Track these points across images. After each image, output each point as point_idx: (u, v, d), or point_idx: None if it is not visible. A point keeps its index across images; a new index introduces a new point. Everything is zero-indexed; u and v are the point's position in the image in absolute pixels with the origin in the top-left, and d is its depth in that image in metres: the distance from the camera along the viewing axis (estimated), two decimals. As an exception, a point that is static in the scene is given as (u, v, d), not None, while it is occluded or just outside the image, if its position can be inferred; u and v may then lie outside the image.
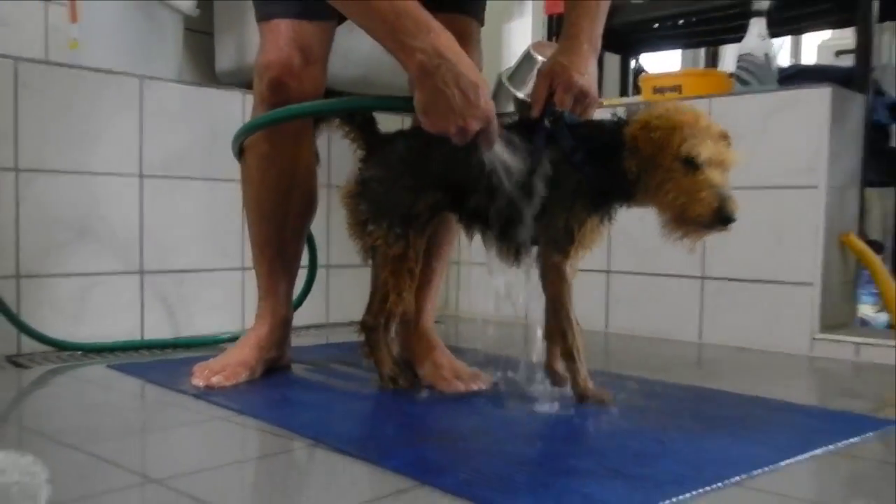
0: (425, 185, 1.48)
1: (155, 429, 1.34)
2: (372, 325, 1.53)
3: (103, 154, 2.00)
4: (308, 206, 1.72)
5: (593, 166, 1.39)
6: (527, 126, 1.45)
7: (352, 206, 1.53)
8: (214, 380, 1.54)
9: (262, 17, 1.60)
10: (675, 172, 1.31)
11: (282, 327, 1.69)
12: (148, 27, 2.18)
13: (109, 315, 2.01)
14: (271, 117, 1.55)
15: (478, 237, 1.52)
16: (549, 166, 1.40)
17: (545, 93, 1.44)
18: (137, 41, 2.15)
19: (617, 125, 1.39)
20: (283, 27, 1.55)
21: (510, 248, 1.47)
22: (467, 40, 1.59)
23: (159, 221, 2.10)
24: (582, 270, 1.46)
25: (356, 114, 1.55)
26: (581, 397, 1.43)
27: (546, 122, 1.42)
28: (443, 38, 1.30)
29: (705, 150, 1.30)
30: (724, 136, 1.36)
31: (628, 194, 1.40)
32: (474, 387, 1.54)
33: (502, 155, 1.39)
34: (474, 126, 1.31)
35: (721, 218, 1.28)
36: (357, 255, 1.56)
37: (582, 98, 1.44)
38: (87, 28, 2.07)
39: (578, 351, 1.43)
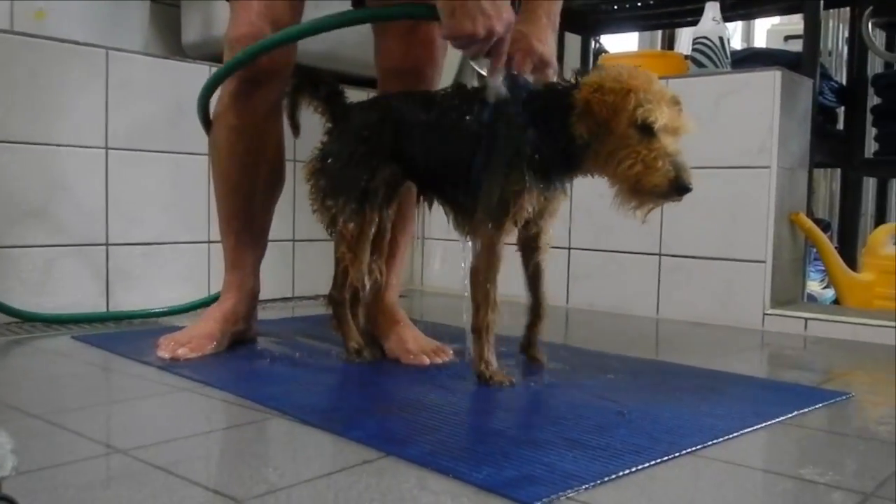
0: (380, 159, 1.48)
1: (120, 400, 1.35)
2: (338, 299, 1.56)
3: (69, 126, 1.98)
4: (276, 180, 1.73)
5: (538, 131, 1.34)
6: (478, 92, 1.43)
7: (313, 182, 1.54)
8: (180, 352, 1.56)
9: None
10: (629, 139, 1.26)
11: (248, 300, 1.71)
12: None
13: (74, 287, 2.01)
14: (258, 47, 1.52)
15: (438, 209, 1.54)
16: (492, 129, 1.36)
17: (503, 58, 1.38)
18: (104, 13, 2.13)
19: (567, 89, 1.33)
20: (254, 2, 1.57)
21: (460, 217, 1.47)
22: None
23: (124, 194, 2.09)
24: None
25: (322, 85, 1.57)
26: (480, 377, 1.39)
27: (502, 86, 1.37)
28: None
29: (661, 116, 1.25)
30: (676, 102, 1.32)
31: (574, 162, 1.35)
32: (438, 360, 1.57)
33: (500, 86, 1.41)
34: (500, 29, 1.31)
35: (678, 188, 1.25)
36: (322, 229, 1.57)
37: (541, 66, 1.44)
38: (53, -1, 2.05)
39: (487, 330, 1.38)
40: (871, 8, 1.02)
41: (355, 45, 2.38)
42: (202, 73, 2.23)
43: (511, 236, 1.42)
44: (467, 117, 1.40)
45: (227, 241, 1.72)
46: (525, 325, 1.57)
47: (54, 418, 1.16)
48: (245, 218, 1.69)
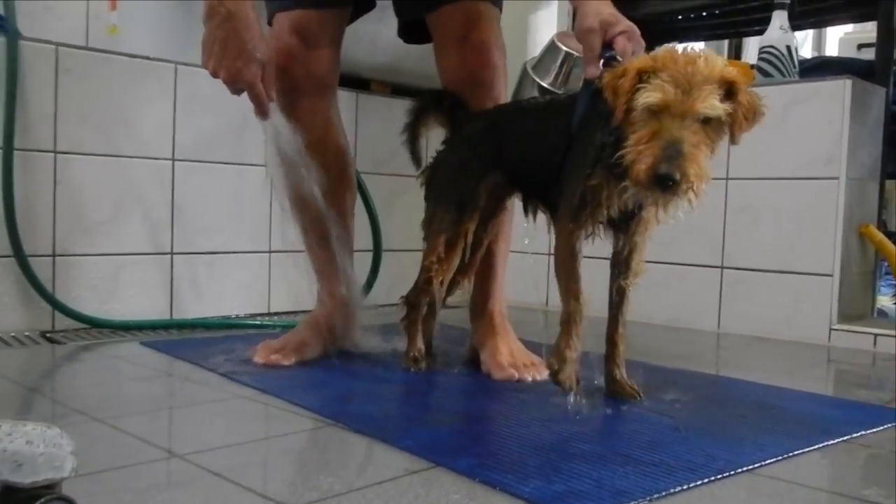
0: (485, 166, 1.48)
1: (181, 405, 1.38)
2: (413, 301, 1.57)
3: (138, 138, 2.05)
4: (342, 189, 1.73)
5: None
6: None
7: (426, 190, 1.56)
8: (273, 358, 1.60)
9: (269, 17, 1.67)
10: (634, 125, 1.16)
11: (341, 309, 1.71)
12: (183, 15, 2.23)
13: (140, 294, 2.06)
14: None
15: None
16: (583, 126, 1.31)
17: (600, 45, 1.32)
18: (173, 28, 2.20)
19: None
20: (283, 19, 1.63)
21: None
22: (484, 23, 1.61)
23: (190, 204, 2.15)
24: (602, 258, 1.42)
25: (445, 98, 1.61)
26: (548, 368, 1.31)
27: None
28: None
29: (652, 96, 1.13)
30: (728, 82, 1.16)
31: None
32: (528, 376, 1.52)
33: (277, 128, 1.49)
34: (223, 76, 1.43)
35: (655, 177, 1.11)
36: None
37: (638, 48, 1.35)
38: (125, 15, 2.13)
39: (567, 322, 1.30)
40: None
41: (417, 57, 2.41)
42: (266, 85, 2.28)
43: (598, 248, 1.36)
44: (559, 119, 1.37)
45: (309, 253, 1.74)
46: (604, 357, 1.43)
47: (117, 422, 1.19)
48: (318, 230, 1.70)
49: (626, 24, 1.35)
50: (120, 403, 1.33)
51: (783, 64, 2.33)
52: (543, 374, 1.53)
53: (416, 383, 1.52)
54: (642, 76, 1.16)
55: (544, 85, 2.73)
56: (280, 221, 2.32)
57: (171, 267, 2.12)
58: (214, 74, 1.46)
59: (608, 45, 1.32)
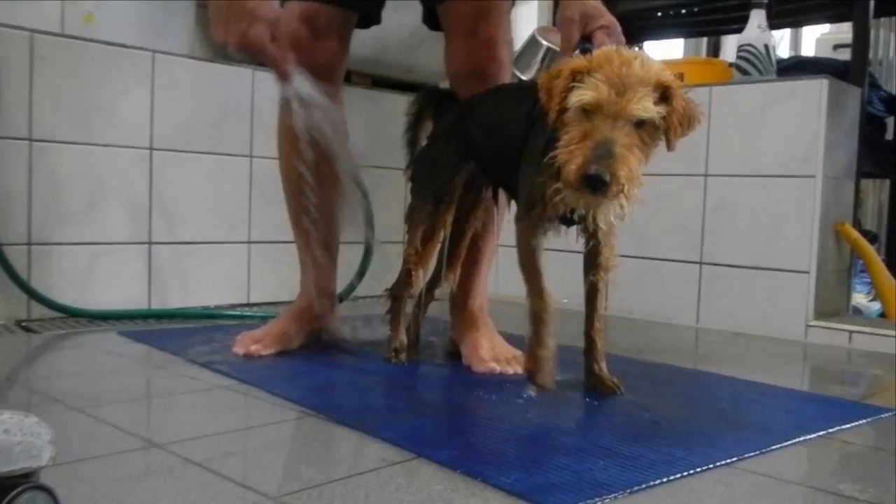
0: (459, 157, 1.48)
1: (160, 395, 1.37)
2: (396, 294, 1.57)
3: (115, 126, 2.02)
4: (336, 181, 1.70)
5: None
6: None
7: (410, 185, 1.57)
8: (253, 348, 1.60)
9: (280, 4, 1.64)
10: (567, 125, 1.14)
11: (323, 299, 1.70)
12: (161, 3, 2.20)
13: (118, 284, 2.04)
14: None
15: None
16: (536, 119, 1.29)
17: (578, 37, 1.34)
18: (151, 16, 2.18)
19: None
20: (294, 6, 1.61)
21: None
22: (494, 17, 1.59)
23: (168, 194, 2.13)
24: (578, 252, 1.41)
25: (437, 94, 1.62)
26: (526, 369, 1.33)
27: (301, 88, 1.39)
28: None
29: (587, 95, 1.11)
30: (663, 85, 1.14)
31: None
32: (509, 370, 1.52)
33: (306, 91, 1.45)
34: (232, 41, 1.37)
35: (584, 178, 1.09)
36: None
37: (618, 45, 1.31)
38: (101, 2, 2.10)
39: (535, 319, 1.30)
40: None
41: (398, 49, 2.40)
42: (246, 76, 2.27)
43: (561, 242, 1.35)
44: (518, 108, 1.36)
45: (298, 241, 1.73)
46: (583, 352, 1.43)
47: (95, 411, 1.18)
48: (310, 214, 1.67)
49: (608, 18, 1.35)
50: (98, 393, 1.31)
51: (761, 62, 2.35)
52: (521, 369, 1.53)
53: (398, 375, 1.52)
54: (576, 76, 1.14)
55: (525, 79, 2.73)
56: (260, 211, 2.31)
57: (150, 256, 2.10)
58: (225, 43, 1.41)
59: (587, 37, 1.32)
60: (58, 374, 1.48)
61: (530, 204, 1.28)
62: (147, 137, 2.08)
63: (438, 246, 1.53)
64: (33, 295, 1.89)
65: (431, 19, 1.70)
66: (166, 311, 2.07)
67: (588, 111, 1.12)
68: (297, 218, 1.71)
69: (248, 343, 1.61)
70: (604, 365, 1.42)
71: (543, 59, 2.73)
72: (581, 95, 1.11)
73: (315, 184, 1.66)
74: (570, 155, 1.11)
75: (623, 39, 1.34)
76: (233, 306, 2.24)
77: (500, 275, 2.80)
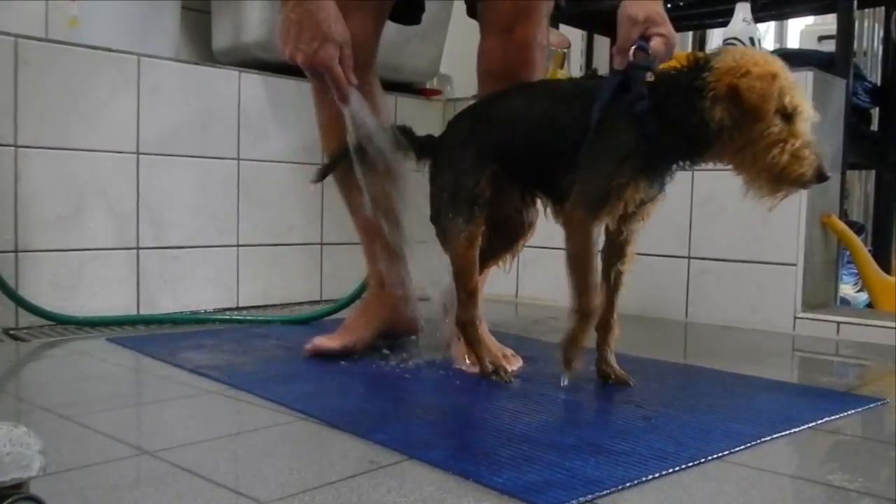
0: (481, 160, 1.44)
1: (149, 401, 1.37)
2: (466, 319, 1.49)
3: (101, 131, 2.02)
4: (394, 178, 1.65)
5: (662, 120, 1.27)
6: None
7: (430, 204, 1.51)
8: (317, 341, 1.61)
9: None
10: (773, 127, 1.21)
11: (390, 300, 1.67)
12: (146, 5, 2.20)
13: (106, 290, 2.04)
14: None
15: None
16: (606, 116, 1.31)
17: (637, 37, 1.34)
18: (136, 20, 2.17)
19: (694, 71, 1.26)
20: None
21: (558, 208, 1.41)
22: (532, 18, 1.56)
23: (155, 198, 2.12)
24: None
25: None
26: (564, 356, 1.38)
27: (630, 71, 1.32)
28: None
29: (804, 103, 1.22)
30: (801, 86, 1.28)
31: (697, 150, 1.29)
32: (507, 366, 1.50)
33: (360, 113, 1.45)
34: (300, 59, 1.41)
35: (820, 176, 1.23)
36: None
37: (671, 49, 1.36)
38: (86, 6, 2.09)
39: (589, 319, 1.36)
40: (897, 8, 1.01)
41: (385, 48, 2.38)
42: (232, 78, 2.26)
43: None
44: (573, 105, 1.36)
45: (362, 244, 1.72)
46: (597, 343, 1.46)
47: (84, 420, 1.17)
48: (385, 214, 1.64)
49: (669, 28, 1.36)
50: (87, 400, 1.31)
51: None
52: (515, 366, 1.54)
53: (389, 377, 1.51)
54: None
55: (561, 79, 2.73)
56: (248, 214, 2.31)
57: (138, 262, 2.10)
58: (292, 59, 1.43)
59: (643, 38, 1.33)
60: (46, 382, 1.47)
61: (601, 201, 1.31)
62: (133, 142, 2.07)
63: (478, 249, 1.47)
64: (21, 303, 1.88)
65: (475, 13, 1.67)
66: (155, 317, 2.06)
67: (788, 115, 1.21)
68: (361, 225, 1.68)
69: (319, 338, 1.61)
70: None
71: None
72: (804, 104, 1.23)
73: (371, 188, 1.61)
74: (795, 155, 1.21)
75: (674, 54, 1.37)
76: (221, 310, 2.23)
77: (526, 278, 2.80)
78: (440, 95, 2.92)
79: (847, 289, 2.59)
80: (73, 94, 1.96)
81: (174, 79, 2.14)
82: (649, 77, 1.31)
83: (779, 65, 1.23)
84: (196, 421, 1.23)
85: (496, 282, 2.74)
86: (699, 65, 1.26)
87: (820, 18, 3.92)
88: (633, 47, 1.33)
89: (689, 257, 2.29)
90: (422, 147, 1.54)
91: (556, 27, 2.88)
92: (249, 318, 2.11)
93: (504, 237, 1.55)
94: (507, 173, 1.46)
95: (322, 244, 2.49)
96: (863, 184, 3.92)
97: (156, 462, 1.01)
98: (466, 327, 1.49)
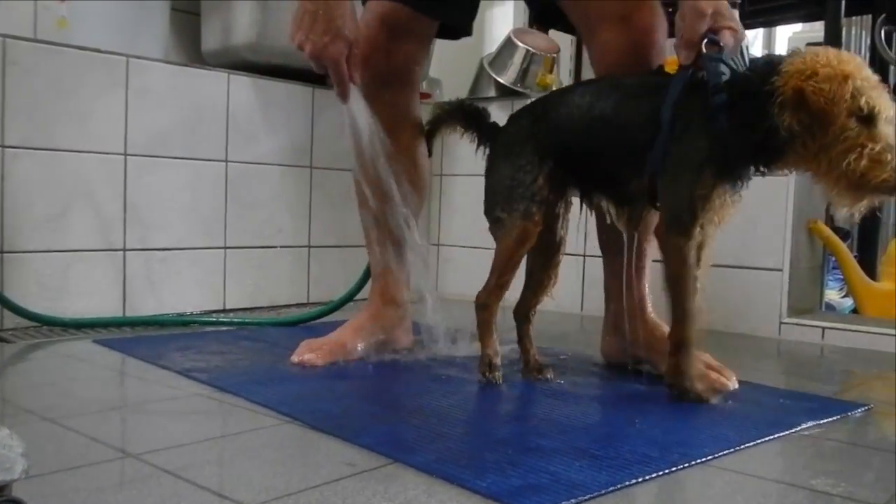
0: (539, 157, 1.40)
1: (135, 404, 1.36)
2: (487, 302, 1.47)
3: (89, 132, 2.01)
4: (415, 189, 1.66)
5: (734, 119, 1.24)
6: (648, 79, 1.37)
7: (485, 196, 1.49)
8: (307, 357, 1.57)
9: (363, 2, 1.65)
10: (849, 131, 1.15)
11: (390, 309, 1.68)
12: (135, 7, 2.19)
13: (92, 291, 2.03)
14: None
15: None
16: (683, 117, 1.27)
17: (705, 31, 1.30)
18: (125, 21, 2.16)
19: (764, 74, 1.22)
20: (376, 7, 1.61)
21: (627, 210, 1.40)
22: (648, 2, 1.52)
23: (143, 200, 2.11)
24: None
25: (462, 111, 1.55)
26: (681, 393, 1.34)
27: (704, 63, 1.28)
28: None
29: (884, 104, 1.15)
30: (883, 86, 1.19)
31: (771, 157, 1.25)
32: (728, 384, 1.46)
33: (357, 113, 1.46)
34: (308, 49, 1.40)
35: None
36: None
37: (738, 44, 1.32)
38: (75, 7, 2.08)
39: (687, 341, 1.32)
40: (883, 16, 1.01)
41: (284, 32, 2.35)
42: (221, 80, 2.26)
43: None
44: (641, 102, 1.33)
45: (369, 248, 1.71)
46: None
47: (68, 422, 1.17)
48: (380, 226, 1.65)
49: (737, 23, 1.32)
50: (71, 403, 1.30)
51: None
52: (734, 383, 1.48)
53: (374, 380, 1.52)
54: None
55: (501, 81, 2.74)
56: (236, 216, 2.30)
57: (124, 263, 2.09)
58: (300, 47, 1.43)
59: (714, 32, 1.30)
60: (31, 384, 1.46)
61: (690, 217, 1.27)
62: (121, 143, 2.07)
63: (530, 248, 1.45)
64: (6, 304, 1.87)
65: (547, 17, 1.67)
66: (141, 319, 2.05)
67: (865, 117, 1.15)
68: (368, 227, 1.68)
69: (305, 351, 1.59)
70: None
71: (520, 61, 2.74)
72: (883, 105, 1.15)
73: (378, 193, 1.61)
74: (876, 160, 1.14)
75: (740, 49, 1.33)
76: (208, 313, 2.23)
77: (441, 274, 2.82)
78: (430, 98, 2.93)
79: (832, 294, 2.61)
80: (61, 95, 1.95)
81: (163, 80, 2.14)
82: (724, 71, 1.27)
83: (854, 64, 1.17)
84: (181, 423, 1.23)
85: (452, 283, 2.76)
86: (771, 67, 1.22)
87: (808, 25, 3.94)
88: (703, 41, 1.29)
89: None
90: (485, 133, 1.52)
91: (546, 32, 2.89)
92: (236, 320, 2.10)
93: (541, 260, 1.52)
94: (567, 173, 1.42)
95: (310, 247, 2.48)
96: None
97: (140, 465, 1.01)
98: (484, 310, 1.47)
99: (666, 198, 1.31)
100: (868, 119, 1.15)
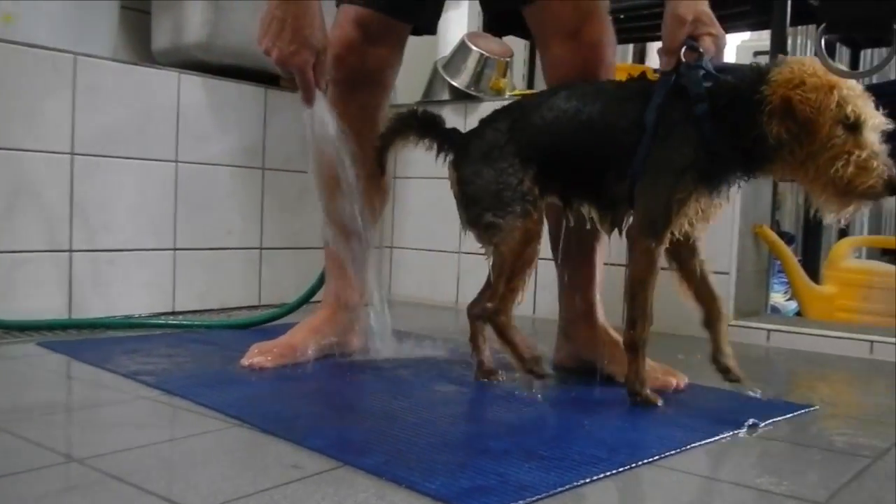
0: (522, 160, 1.39)
1: (81, 407, 1.34)
2: (500, 308, 1.42)
3: (34, 131, 1.96)
4: (373, 189, 1.65)
5: (720, 127, 1.25)
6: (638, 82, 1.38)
7: (464, 206, 1.45)
8: (256, 360, 1.55)
9: (337, 1, 1.65)
10: (835, 139, 1.18)
11: (344, 312, 1.67)
12: (84, 4, 2.15)
13: (37, 293, 1.98)
14: None
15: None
16: (667, 123, 1.28)
17: (685, 37, 1.32)
18: (73, 18, 2.12)
19: (752, 82, 1.24)
20: (350, 10, 1.61)
21: (607, 213, 1.40)
22: (598, 17, 1.53)
23: (90, 200, 2.07)
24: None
25: (417, 120, 1.52)
26: (632, 395, 1.36)
27: (683, 71, 1.30)
28: None
29: (869, 112, 1.18)
30: (867, 95, 1.22)
31: (757, 164, 1.27)
32: (676, 383, 1.50)
33: (321, 118, 1.47)
34: (275, 55, 1.41)
35: (891, 187, 1.18)
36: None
37: (721, 49, 1.35)
38: (22, 3, 2.03)
39: (642, 344, 1.36)
40: (823, 25, 1.04)
41: (236, 31, 2.34)
42: (171, 79, 2.23)
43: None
44: (626, 106, 1.34)
45: (325, 250, 1.70)
46: (708, 333, 1.46)
47: (11, 427, 1.14)
48: (339, 227, 1.64)
49: (718, 28, 1.34)
50: (15, 407, 1.28)
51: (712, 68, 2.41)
52: (685, 382, 1.52)
53: (325, 382, 1.51)
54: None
55: (455, 84, 2.75)
56: (186, 218, 2.27)
57: (71, 265, 2.05)
58: (267, 53, 1.43)
59: (693, 38, 1.32)
60: (-27, 388, 1.43)
61: (664, 220, 1.29)
62: (68, 142, 2.03)
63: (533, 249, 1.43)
64: (-53, 306, 1.82)
65: (501, 24, 1.67)
66: (88, 321, 2.01)
67: (851, 125, 1.19)
68: (325, 226, 1.67)
69: (255, 354, 1.57)
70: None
71: (473, 65, 2.76)
72: (869, 113, 1.19)
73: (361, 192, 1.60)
74: (862, 166, 1.18)
75: (723, 56, 1.36)
76: (157, 315, 2.20)
77: (394, 277, 2.83)
78: (383, 101, 2.92)
79: (777, 297, 2.67)
80: (5, 93, 1.91)
81: (111, 79, 2.10)
82: (703, 78, 1.29)
83: (836, 76, 1.20)
84: (128, 427, 1.21)
85: (402, 285, 2.77)
86: (759, 76, 1.24)
87: (756, 34, 4.02)
88: (682, 48, 1.31)
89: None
90: (445, 139, 1.49)
91: (500, 36, 2.91)
92: (185, 322, 2.07)
93: None
94: (549, 178, 1.41)
95: (262, 248, 2.46)
96: (794, 195, 4.04)
97: (85, 470, 0.99)
98: (498, 317, 1.42)
99: (643, 200, 1.32)
100: (854, 127, 1.18)
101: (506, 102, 1.52)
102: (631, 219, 1.40)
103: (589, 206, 1.43)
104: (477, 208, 1.42)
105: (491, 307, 1.42)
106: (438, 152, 1.49)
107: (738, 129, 1.24)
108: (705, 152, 1.27)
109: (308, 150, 1.58)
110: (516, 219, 1.37)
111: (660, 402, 1.37)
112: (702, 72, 1.29)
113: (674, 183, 1.27)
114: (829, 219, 1.26)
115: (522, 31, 3.06)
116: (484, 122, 1.48)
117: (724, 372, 1.42)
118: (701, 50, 1.31)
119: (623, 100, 1.36)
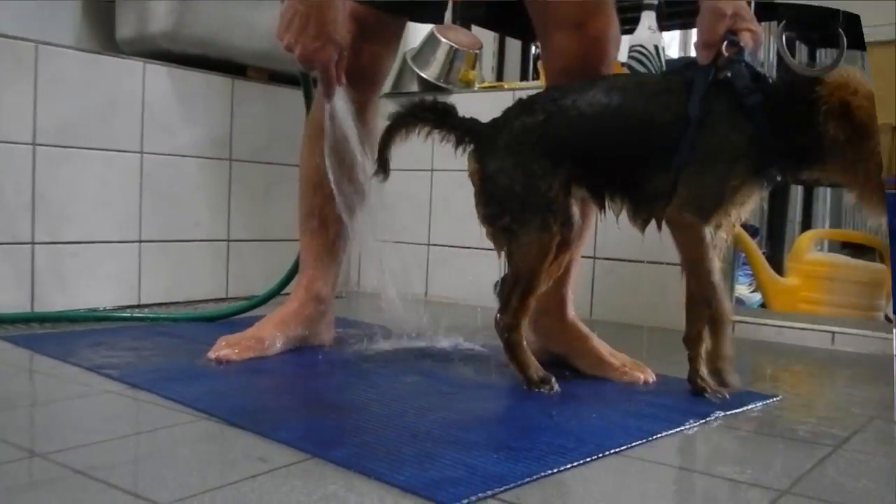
0: (555, 160, 1.36)
1: (44, 402, 1.32)
2: (513, 324, 1.40)
3: (-6, 121, 1.93)
4: (352, 186, 1.62)
5: (772, 120, 1.28)
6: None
7: (483, 202, 1.41)
8: (223, 353, 1.53)
9: None
10: (879, 144, 1.23)
11: (314, 304, 1.66)
12: (45, -9, 2.12)
13: (-1, 287, 1.95)
14: None
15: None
16: (713, 114, 1.30)
17: (724, 31, 1.33)
18: (34, 5, 2.08)
19: (810, 81, 1.28)
20: (347, 4, 1.55)
21: (643, 205, 1.38)
22: (604, 11, 1.51)
23: (53, 192, 2.04)
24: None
25: (433, 110, 1.47)
26: (715, 372, 1.37)
27: (723, 64, 1.32)
28: None
29: None
30: None
31: (808, 159, 1.30)
32: (645, 377, 1.52)
33: (341, 115, 1.47)
34: (298, 52, 1.39)
35: None
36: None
37: (758, 44, 1.37)
38: (-21, -11, 2.00)
39: (724, 321, 1.35)
40: (783, 22, 1.07)
41: (202, 21, 2.32)
42: (136, 69, 2.20)
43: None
44: (667, 100, 1.34)
45: (301, 239, 1.69)
46: (709, 334, 1.43)
47: (-28, 422, 1.13)
48: (321, 218, 1.64)
49: (756, 24, 1.35)
50: (-25, 402, 1.25)
51: (651, 62, 2.43)
52: (652, 376, 1.53)
53: (293, 375, 1.50)
54: None
55: (425, 76, 2.74)
56: (151, 209, 2.25)
57: (33, 257, 2.01)
58: (289, 49, 1.41)
59: (731, 32, 1.33)
60: (-68, 382, 1.40)
61: (714, 204, 1.30)
62: (30, 133, 1.99)
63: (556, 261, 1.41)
64: None
65: (498, 21, 1.66)
66: (50, 315, 1.98)
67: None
68: (305, 216, 1.67)
69: (222, 346, 1.55)
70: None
71: (443, 57, 2.75)
72: None
73: (342, 185, 1.59)
74: None
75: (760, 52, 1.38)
76: (122, 308, 2.17)
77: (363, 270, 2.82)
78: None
79: (742, 289, 2.69)
80: (-36, 82, 1.88)
81: (74, 68, 2.07)
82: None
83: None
84: (92, 421, 1.19)
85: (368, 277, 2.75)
86: (810, 78, 1.28)
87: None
88: (723, 42, 1.32)
89: (594, 258, 2.34)
90: (466, 131, 1.43)
91: (469, 28, 2.90)
92: (151, 315, 2.05)
93: None
94: (582, 173, 1.38)
95: (229, 241, 2.44)
96: (759, 189, 4.09)
97: (48, 465, 0.97)
98: (511, 332, 1.40)
99: (690, 187, 1.31)
100: None
101: (476, 94, 1.52)
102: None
103: (622, 201, 1.41)
104: (497, 208, 1.39)
105: (504, 323, 1.40)
106: (458, 144, 1.44)
107: (794, 125, 1.28)
108: (758, 143, 1.29)
109: (325, 142, 1.55)
110: (534, 232, 1.35)
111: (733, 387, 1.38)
112: (744, 65, 1.31)
113: (728, 170, 1.29)
114: (873, 221, 1.29)
115: (515, 30, 3.06)
116: (512, 113, 1.42)
117: (716, 374, 1.41)
118: (741, 44, 1.32)
119: (665, 92, 1.36)
